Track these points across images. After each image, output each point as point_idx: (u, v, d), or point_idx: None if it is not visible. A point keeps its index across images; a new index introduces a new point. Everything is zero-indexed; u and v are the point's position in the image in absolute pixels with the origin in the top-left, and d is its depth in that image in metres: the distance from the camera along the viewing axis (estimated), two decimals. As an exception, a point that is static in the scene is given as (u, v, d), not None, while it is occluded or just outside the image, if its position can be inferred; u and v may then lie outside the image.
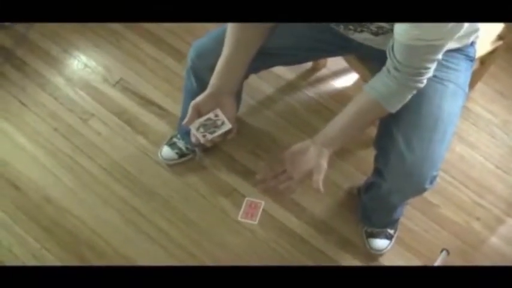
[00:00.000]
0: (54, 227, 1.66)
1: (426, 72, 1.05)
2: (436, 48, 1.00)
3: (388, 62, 1.06)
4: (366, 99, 1.12)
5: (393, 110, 1.12)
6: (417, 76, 1.05)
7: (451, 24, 0.93)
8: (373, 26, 1.12)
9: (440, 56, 1.03)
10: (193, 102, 1.17)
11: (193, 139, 1.21)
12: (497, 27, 1.60)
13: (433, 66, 1.05)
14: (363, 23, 1.12)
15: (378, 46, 1.21)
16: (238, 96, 1.44)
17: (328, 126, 1.15)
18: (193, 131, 1.19)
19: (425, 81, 1.08)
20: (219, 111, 1.18)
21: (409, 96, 1.12)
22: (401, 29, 0.97)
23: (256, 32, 1.20)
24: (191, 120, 1.17)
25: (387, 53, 1.06)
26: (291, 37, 1.30)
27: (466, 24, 0.96)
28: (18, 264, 1.59)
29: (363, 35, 1.16)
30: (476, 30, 1.24)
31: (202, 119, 1.18)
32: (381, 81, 1.09)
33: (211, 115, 1.18)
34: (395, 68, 1.04)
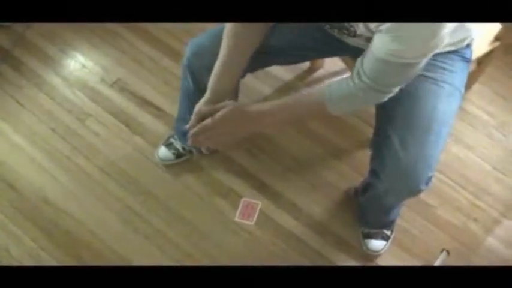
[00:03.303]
0: (51, 227, 1.66)
1: (383, 91, 1.05)
2: (405, 70, 0.99)
3: (354, 68, 1.06)
4: (316, 91, 1.13)
5: (334, 113, 1.11)
6: (374, 91, 1.04)
7: (432, 41, 0.93)
8: (361, 39, 1.12)
9: (403, 82, 1.03)
10: (196, 109, 1.18)
11: (189, 142, 1.21)
12: (494, 29, 1.60)
13: (394, 89, 1.05)
14: (356, 32, 1.12)
15: None
16: (235, 95, 1.44)
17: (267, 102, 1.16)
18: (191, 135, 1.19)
19: (378, 99, 1.07)
20: None
21: (356, 108, 1.12)
22: (380, 42, 0.97)
23: (253, 32, 1.20)
24: (192, 126, 1.18)
25: (357, 60, 1.05)
26: (288, 37, 1.30)
27: (446, 42, 0.96)
28: (15, 264, 1.59)
29: (356, 39, 1.16)
30: (470, 35, 1.23)
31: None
32: (340, 80, 1.09)
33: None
34: (358, 74, 1.04)
